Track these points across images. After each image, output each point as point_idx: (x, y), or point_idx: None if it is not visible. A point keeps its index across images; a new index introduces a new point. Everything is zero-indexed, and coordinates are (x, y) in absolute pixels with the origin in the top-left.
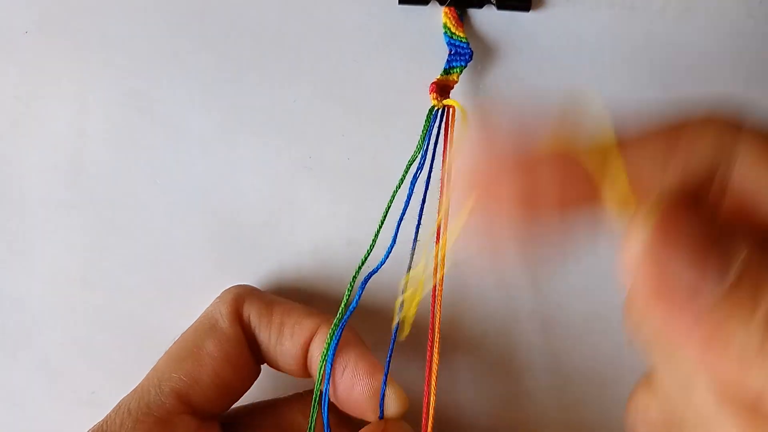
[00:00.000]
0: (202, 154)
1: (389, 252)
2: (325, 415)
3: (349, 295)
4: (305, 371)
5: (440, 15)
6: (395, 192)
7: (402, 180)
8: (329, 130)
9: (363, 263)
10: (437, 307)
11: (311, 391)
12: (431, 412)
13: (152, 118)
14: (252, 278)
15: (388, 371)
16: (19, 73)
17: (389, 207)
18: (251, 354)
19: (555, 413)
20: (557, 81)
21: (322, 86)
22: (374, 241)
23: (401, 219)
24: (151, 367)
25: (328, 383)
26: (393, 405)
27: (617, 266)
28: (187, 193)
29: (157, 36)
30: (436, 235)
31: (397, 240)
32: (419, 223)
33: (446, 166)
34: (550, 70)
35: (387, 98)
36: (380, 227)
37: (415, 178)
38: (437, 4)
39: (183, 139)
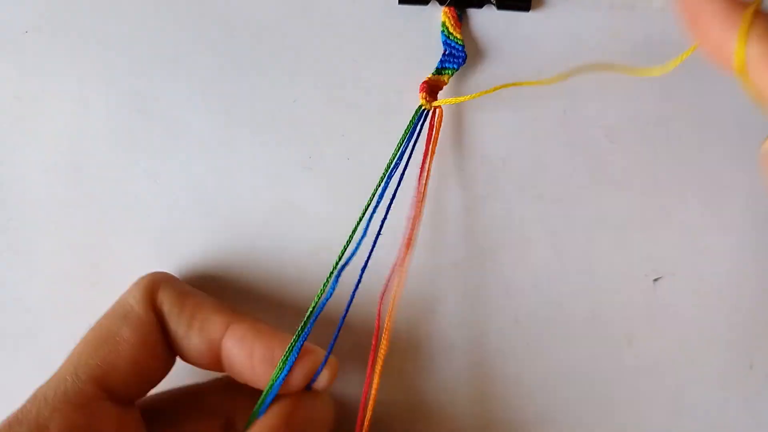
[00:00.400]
0: (202, 154)
1: (357, 248)
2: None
3: (322, 291)
4: (216, 365)
5: (440, 15)
6: (374, 191)
7: (381, 179)
8: (329, 130)
9: (340, 257)
10: (393, 303)
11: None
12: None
13: (152, 118)
14: (252, 278)
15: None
16: (19, 73)
17: (367, 207)
18: (166, 341)
19: (554, 414)
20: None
21: (322, 86)
22: (349, 240)
23: (371, 218)
24: None
25: (286, 373)
26: (324, 375)
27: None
28: (187, 193)
29: (157, 36)
30: (406, 238)
31: (375, 242)
32: (385, 218)
33: (426, 168)
34: (550, 70)
35: (387, 98)
36: (356, 227)
37: (389, 177)
38: (437, 4)
39: (183, 139)
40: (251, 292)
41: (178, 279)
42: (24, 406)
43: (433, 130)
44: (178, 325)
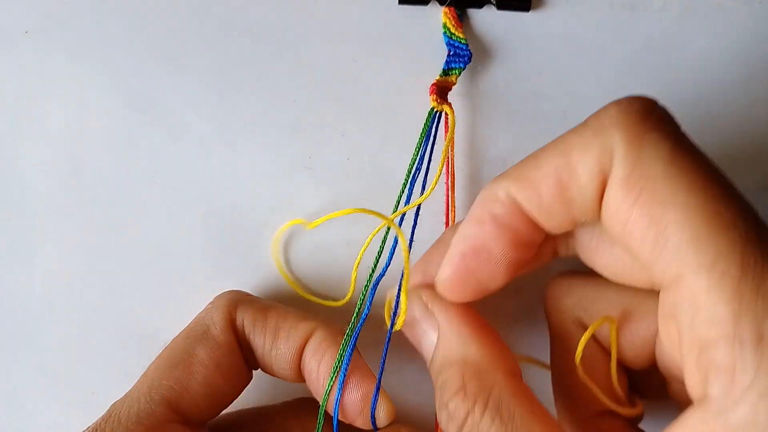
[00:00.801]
0: (202, 154)
1: (391, 255)
2: (335, 424)
3: (361, 304)
4: (299, 376)
5: (440, 15)
6: (400, 195)
7: (405, 183)
8: (329, 130)
9: (374, 270)
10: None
11: (303, 399)
12: None
13: (152, 118)
14: (252, 278)
15: (380, 382)
16: (19, 73)
17: (396, 209)
18: (244, 361)
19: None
20: (557, 81)
21: (322, 86)
22: (382, 246)
23: (400, 223)
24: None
25: (340, 392)
26: (382, 416)
27: None
28: (187, 193)
29: (157, 36)
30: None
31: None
32: (415, 224)
33: (451, 168)
34: (550, 70)
35: (386, 98)
36: (387, 231)
37: (413, 180)
38: (437, 4)
39: (183, 139)
40: (251, 292)
41: (254, 296)
42: (98, 424)
43: (447, 132)
44: (264, 338)
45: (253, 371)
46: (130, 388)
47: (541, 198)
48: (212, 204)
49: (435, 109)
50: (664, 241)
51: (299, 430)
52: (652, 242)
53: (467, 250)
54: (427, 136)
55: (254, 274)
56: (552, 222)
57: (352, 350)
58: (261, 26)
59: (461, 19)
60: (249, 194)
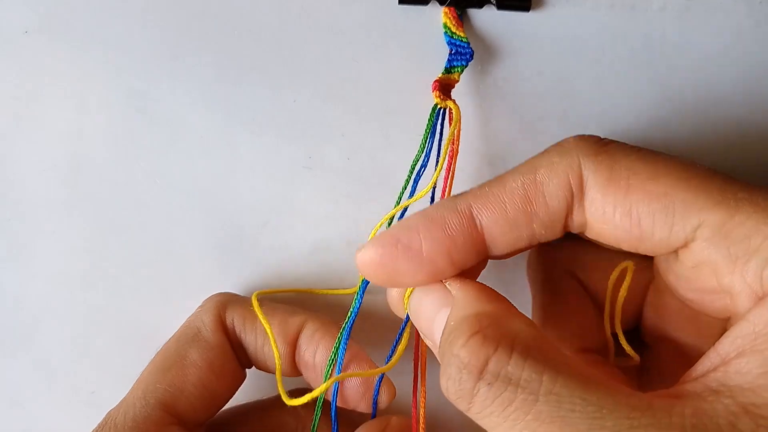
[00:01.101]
0: (202, 154)
1: None
2: (334, 418)
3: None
4: (294, 369)
5: (440, 15)
6: (402, 191)
7: (408, 179)
8: (329, 130)
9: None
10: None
11: (299, 390)
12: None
13: (152, 118)
14: (251, 278)
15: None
16: (19, 73)
17: (398, 204)
18: (236, 360)
19: None
20: (557, 81)
21: (322, 86)
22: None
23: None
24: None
25: (338, 384)
26: (384, 397)
27: None
28: (187, 193)
29: (157, 36)
30: None
31: None
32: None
33: (452, 165)
34: (550, 70)
35: (387, 98)
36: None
37: (418, 176)
38: (437, 4)
39: (183, 139)
40: (251, 292)
41: (242, 296)
42: (98, 427)
43: (452, 127)
44: (255, 335)
45: (247, 370)
46: (129, 388)
47: (506, 213)
48: (212, 204)
49: (439, 106)
50: (672, 206)
51: (294, 420)
52: (662, 213)
53: (402, 238)
54: (432, 132)
55: (254, 274)
56: (510, 236)
57: (347, 337)
58: (261, 26)
59: (461, 18)
60: (249, 194)
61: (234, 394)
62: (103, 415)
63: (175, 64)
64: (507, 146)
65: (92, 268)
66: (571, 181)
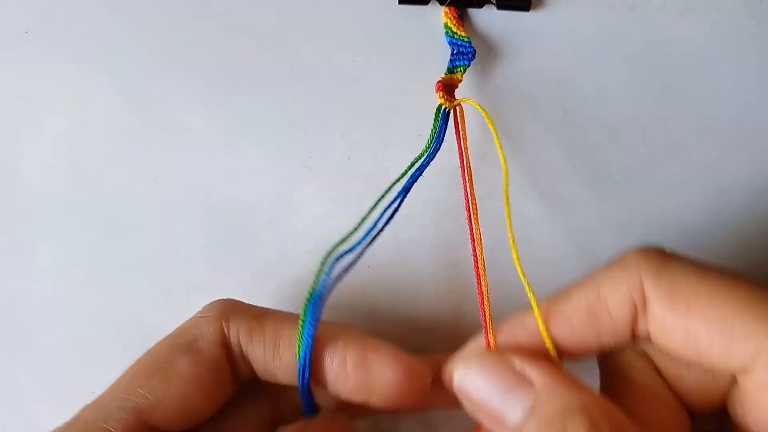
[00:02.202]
0: (202, 154)
1: (368, 234)
2: (307, 404)
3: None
4: (312, 378)
5: (440, 15)
6: (393, 183)
7: (403, 174)
8: (329, 130)
9: (341, 242)
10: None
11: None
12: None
13: (152, 118)
14: (251, 278)
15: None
16: (19, 73)
17: (383, 196)
18: (230, 376)
19: None
20: (557, 81)
21: (322, 86)
22: (360, 223)
23: (396, 210)
24: None
25: (308, 373)
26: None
27: None
28: (187, 193)
29: (157, 36)
30: (469, 230)
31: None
32: (394, 212)
33: (465, 163)
34: (550, 70)
35: (387, 98)
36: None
37: (418, 172)
38: (437, 4)
39: (183, 139)
40: (251, 292)
41: (244, 303)
42: (67, 424)
43: (459, 128)
44: (263, 348)
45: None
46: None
47: (572, 327)
48: (212, 204)
49: (443, 106)
50: (731, 331)
51: (275, 397)
52: (720, 336)
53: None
54: (438, 133)
55: (254, 274)
56: (579, 347)
57: (314, 316)
58: (261, 26)
59: (461, 18)
60: (249, 194)
61: (218, 408)
62: None
63: (175, 64)
64: (507, 146)
65: (92, 268)
66: (634, 297)
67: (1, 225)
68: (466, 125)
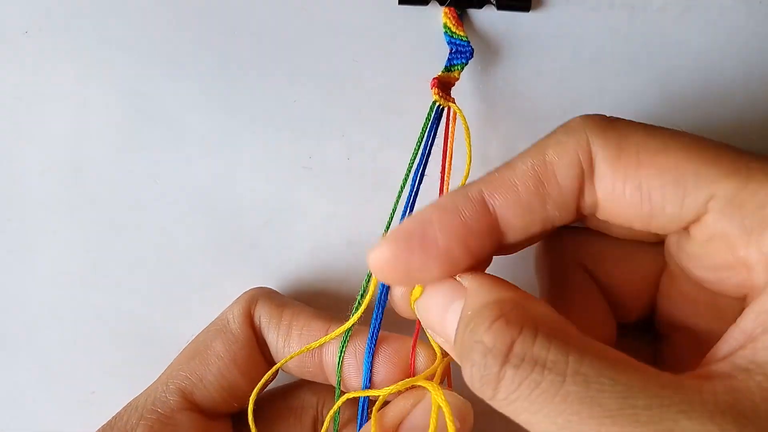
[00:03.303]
0: (202, 154)
1: None
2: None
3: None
4: (319, 372)
5: (440, 15)
6: (400, 191)
7: (405, 179)
8: (329, 130)
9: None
10: None
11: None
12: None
13: (152, 118)
14: (251, 278)
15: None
16: (19, 73)
17: (396, 206)
18: (262, 356)
19: None
20: (557, 81)
21: (322, 86)
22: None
23: (403, 216)
24: (151, 366)
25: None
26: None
27: None
28: (187, 193)
29: (157, 36)
30: None
31: None
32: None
33: (447, 164)
34: (550, 70)
35: (387, 98)
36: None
37: (415, 174)
38: (437, 4)
39: (183, 139)
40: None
41: (276, 292)
42: (119, 413)
43: (448, 128)
44: (277, 336)
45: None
46: (130, 388)
47: (519, 196)
48: (212, 204)
49: (438, 104)
50: (683, 179)
51: (314, 397)
52: (673, 187)
53: (416, 231)
54: (429, 130)
55: (254, 274)
56: (524, 220)
57: (372, 348)
58: (261, 26)
59: (461, 19)
60: (249, 194)
61: (254, 385)
62: (104, 414)
63: (175, 64)
64: (507, 146)
65: (92, 268)
66: (581, 158)
67: (1, 225)
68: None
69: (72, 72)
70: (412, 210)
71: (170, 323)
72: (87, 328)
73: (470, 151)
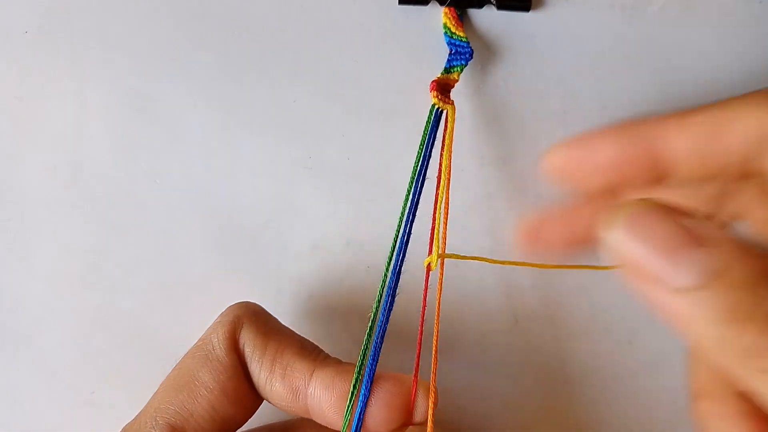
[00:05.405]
0: (202, 154)
1: (398, 266)
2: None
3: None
4: (302, 411)
5: (440, 15)
6: (407, 196)
7: (411, 182)
8: (329, 130)
9: (383, 284)
10: (437, 302)
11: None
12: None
13: (152, 118)
14: (252, 278)
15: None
16: (19, 73)
17: (404, 211)
18: (249, 384)
19: (555, 413)
20: (557, 81)
21: (322, 86)
22: (391, 253)
23: (410, 224)
24: (150, 366)
25: (365, 402)
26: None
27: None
28: (187, 193)
29: (157, 36)
30: (430, 231)
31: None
32: (412, 219)
33: (443, 167)
34: (550, 70)
35: (387, 98)
36: (397, 234)
37: (418, 179)
38: (437, 4)
39: (183, 139)
40: (251, 292)
41: (263, 312)
42: None
43: (446, 130)
44: (260, 368)
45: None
46: (128, 389)
47: (696, 137)
48: (212, 204)
49: (436, 106)
50: None
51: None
52: None
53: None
54: (430, 133)
55: (254, 275)
56: (693, 164)
57: (374, 365)
58: (261, 26)
59: (461, 19)
60: (249, 194)
61: (250, 416)
62: (104, 415)
63: (175, 64)
64: (507, 146)
65: (92, 268)
66: (763, 128)
67: (1, 225)
68: (453, 129)
69: (72, 72)
70: (414, 214)
71: (170, 323)
72: (87, 328)
73: (449, 155)
